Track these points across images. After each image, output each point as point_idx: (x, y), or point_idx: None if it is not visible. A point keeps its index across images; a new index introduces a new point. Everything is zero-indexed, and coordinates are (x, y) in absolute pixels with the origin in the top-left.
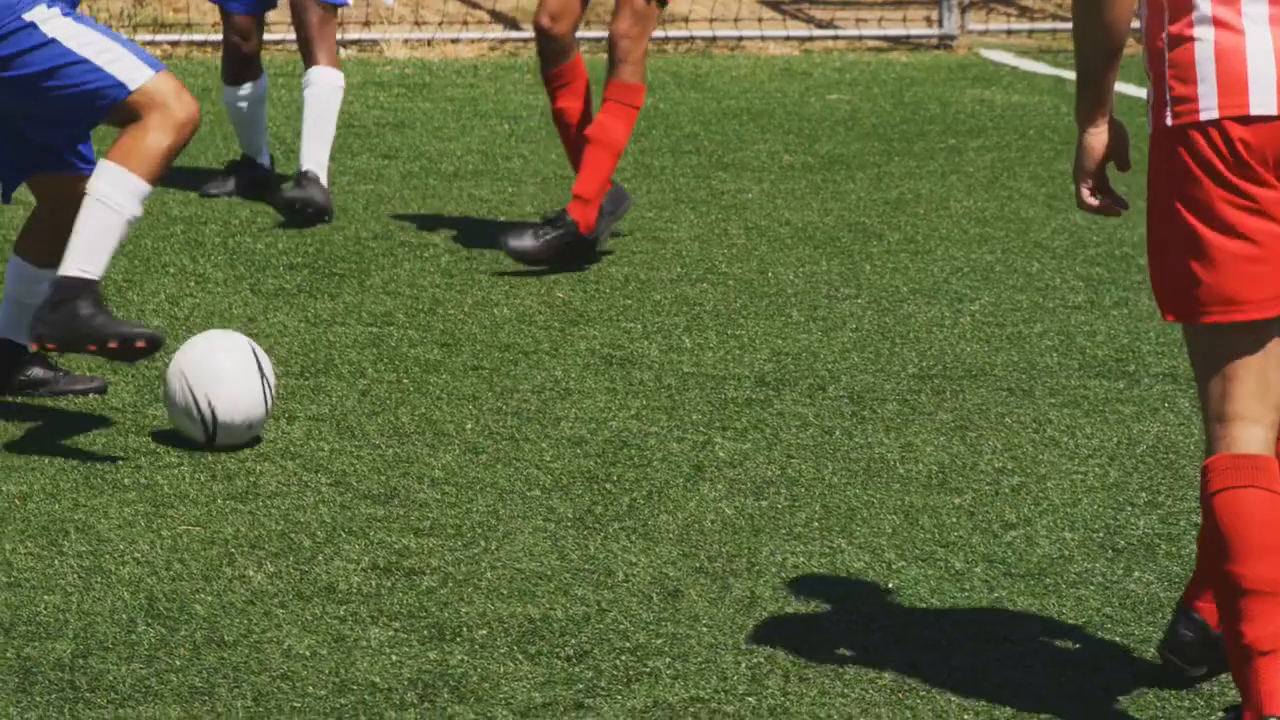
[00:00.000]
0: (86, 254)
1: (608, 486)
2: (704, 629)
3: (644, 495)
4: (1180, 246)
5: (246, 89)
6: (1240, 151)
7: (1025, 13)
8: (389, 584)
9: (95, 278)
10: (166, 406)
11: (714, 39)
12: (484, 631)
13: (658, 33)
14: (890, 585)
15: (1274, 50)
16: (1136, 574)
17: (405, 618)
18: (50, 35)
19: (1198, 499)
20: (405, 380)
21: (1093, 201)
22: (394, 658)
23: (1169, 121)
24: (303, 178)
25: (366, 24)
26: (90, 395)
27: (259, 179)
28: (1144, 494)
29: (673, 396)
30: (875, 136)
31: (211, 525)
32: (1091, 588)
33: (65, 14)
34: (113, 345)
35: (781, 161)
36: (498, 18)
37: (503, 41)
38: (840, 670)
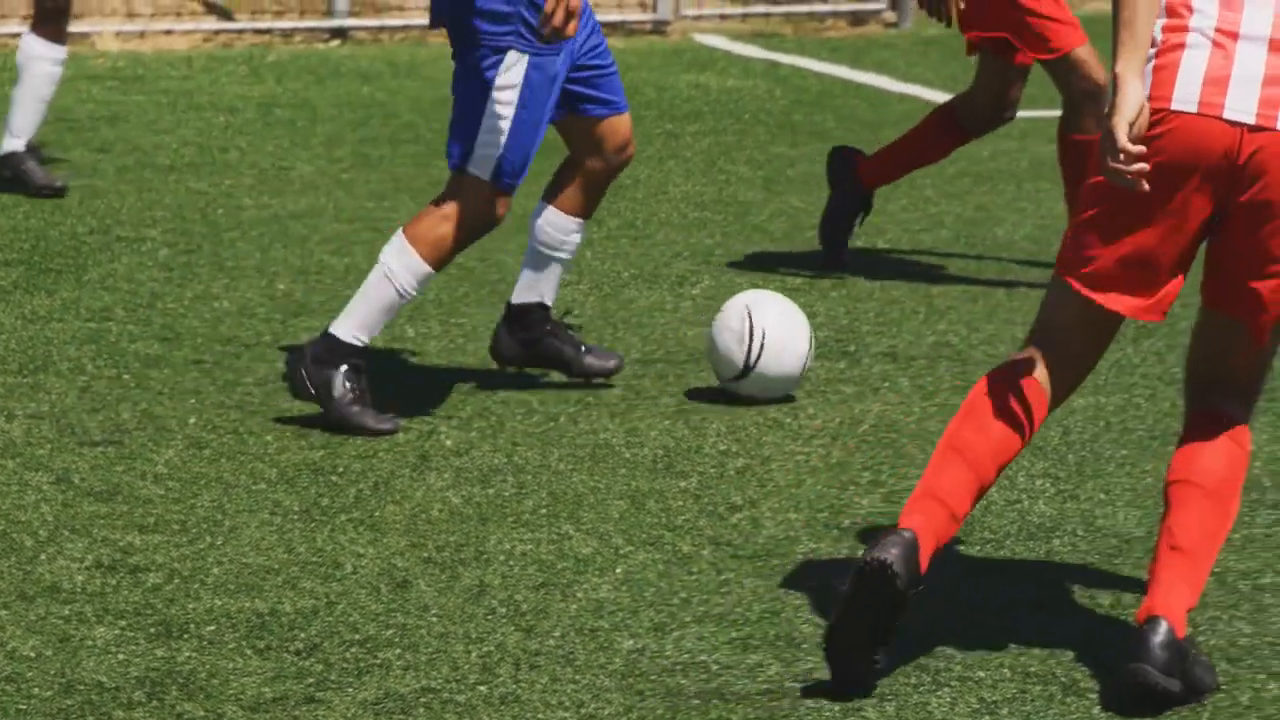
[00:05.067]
0: (363, 322)
1: (334, 478)
2: (433, 619)
3: (370, 486)
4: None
5: None
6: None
7: None
8: (114, 582)
9: (364, 344)
10: None
11: (429, 27)
12: (211, 627)
13: (373, 22)
14: (619, 570)
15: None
16: (861, 552)
17: (131, 615)
18: (490, 79)
19: (919, 477)
20: (126, 376)
21: (1135, 149)
22: (121, 656)
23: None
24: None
25: (77, 16)
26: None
27: None
28: (867, 473)
29: (397, 387)
30: None
31: None
32: (817, 567)
33: (526, 73)
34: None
35: None
36: (211, 9)
37: (216, 33)
38: (571, 656)
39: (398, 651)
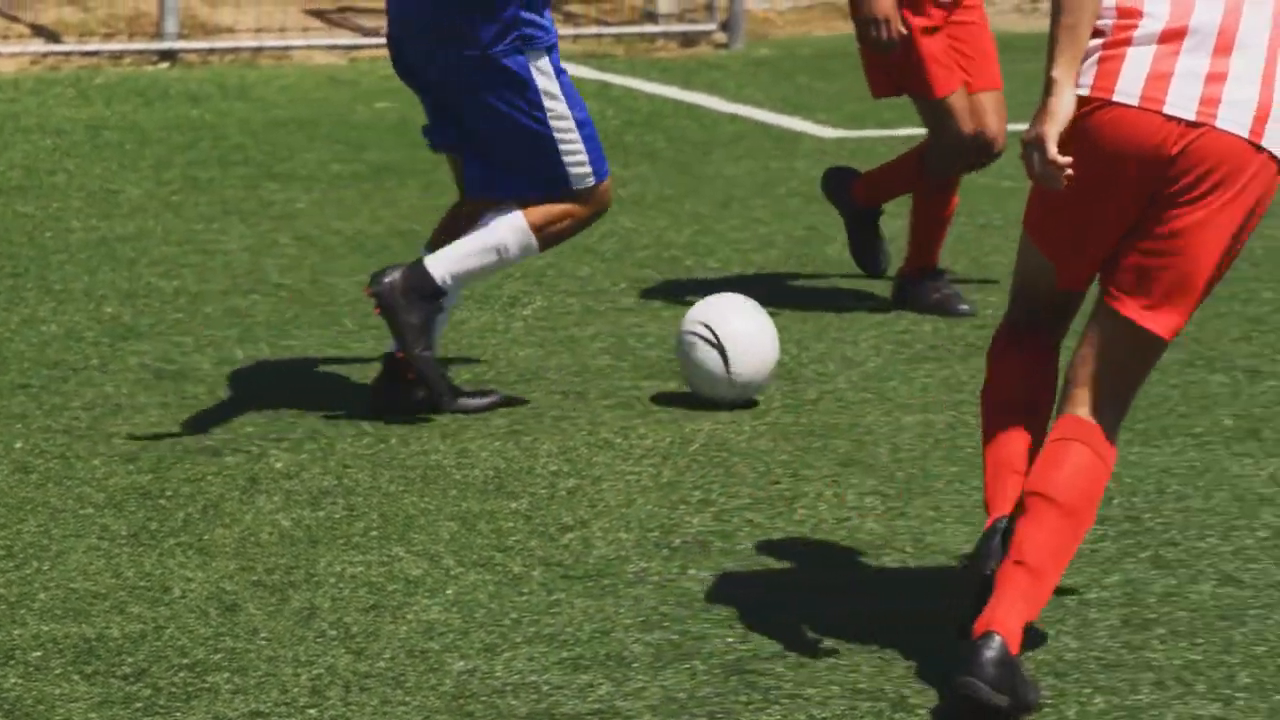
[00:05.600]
0: (459, 267)
1: (162, 502)
2: (263, 642)
3: (199, 510)
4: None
5: None
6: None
7: (570, 19)
8: None
9: (447, 291)
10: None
11: (260, 49)
12: (38, 653)
13: (202, 44)
14: (449, 591)
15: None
16: (692, 571)
17: None
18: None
19: (750, 496)
20: None
21: (1063, 160)
22: None
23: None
24: None
25: None
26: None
27: None
28: (697, 492)
29: (226, 410)
30: (423, 144)
31: None
32: (648, 586)
33: (553, 64)
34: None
35: (331, 170)
36: (39, 31)
37: (44, 55)
38: (401, 678)
39: (226, 675)
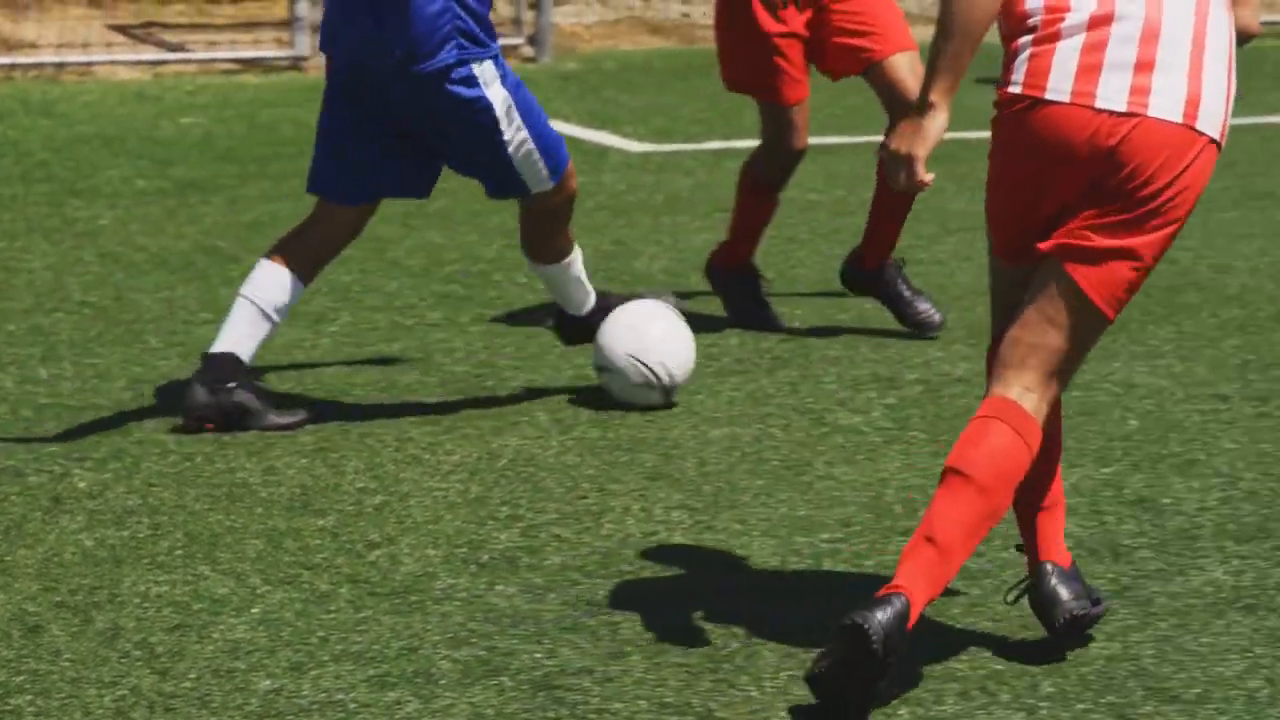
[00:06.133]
0: (571, 299)
1: None
2: (66, 664)
3: (1, 530)
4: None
5: None
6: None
7: None
8: None
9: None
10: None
11: (63, 65)
12: None
13: (4, 59)
14: (255, 610)
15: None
16: (499, 587)
17: None
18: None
19: (557, 511)
20: None
21: (928, 178)
22: None
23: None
24: None
25: None
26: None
27: None
28: (505, 508)
29: (29, 429)
30: (230, 159)
31: None
32: (456, 603)
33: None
34: None
35: (135, 186)
36: None
37: None
38: (207, 698)
39: (29, 698)
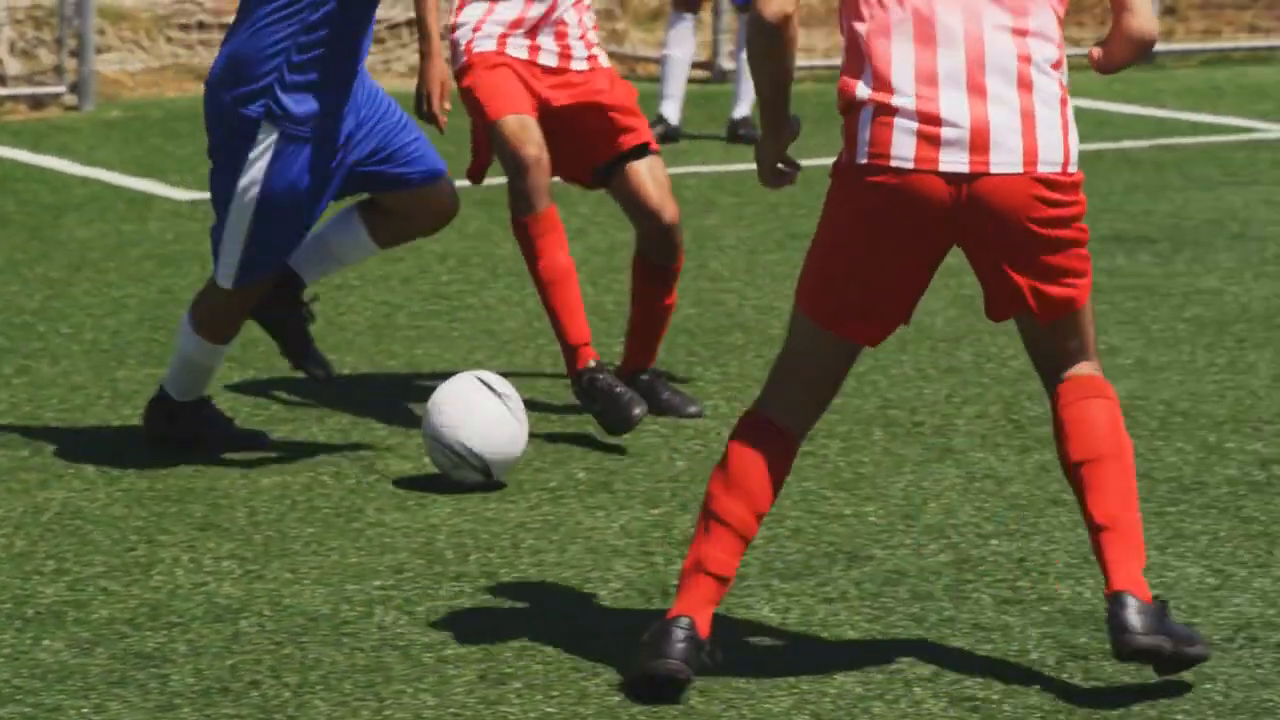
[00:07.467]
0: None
1: None
2: None
3: None
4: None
5: None
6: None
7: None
8: None
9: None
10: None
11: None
12: None
13: None
14: None
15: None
16: (46, 642)
17: None
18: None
19: (104, 563)
20: None
21: (780, 180)
22: None
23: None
24: None
25: None
26: None
27: None
28: (51, 561)
29: None
30: None
31: None
32: (0, 660)
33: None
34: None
35: None
36: None
37: None
38: None
39: None
